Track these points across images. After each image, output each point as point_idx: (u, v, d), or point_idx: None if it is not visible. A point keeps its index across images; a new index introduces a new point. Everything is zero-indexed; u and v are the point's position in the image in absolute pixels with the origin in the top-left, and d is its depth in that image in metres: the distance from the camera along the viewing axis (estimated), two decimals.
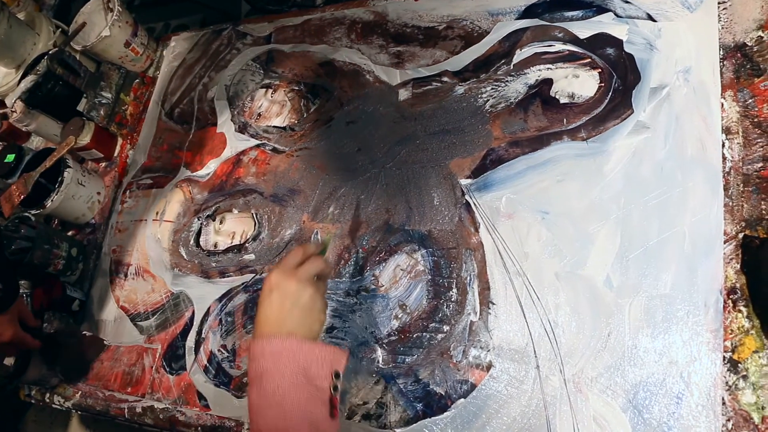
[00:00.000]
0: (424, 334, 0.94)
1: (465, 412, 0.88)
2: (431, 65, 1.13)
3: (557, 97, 1.00)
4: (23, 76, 1.39)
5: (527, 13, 1.09)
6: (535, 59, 1.04)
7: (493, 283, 0.93)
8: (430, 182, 1.03)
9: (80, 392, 1.20)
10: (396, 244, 1.01)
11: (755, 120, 0.87)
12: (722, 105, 0.89)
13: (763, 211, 0.82)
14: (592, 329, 0.85)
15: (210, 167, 1.28)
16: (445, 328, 0.93)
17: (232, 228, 1.19)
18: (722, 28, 0.93)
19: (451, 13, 1.16)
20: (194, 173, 1.29)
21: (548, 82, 1.02)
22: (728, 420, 0.75)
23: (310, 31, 1.31)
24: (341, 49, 1.25)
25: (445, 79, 1.11)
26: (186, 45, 1.49)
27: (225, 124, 1.31)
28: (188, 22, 1.71)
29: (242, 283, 1.12)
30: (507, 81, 1.05)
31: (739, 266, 0.81)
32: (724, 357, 0.78)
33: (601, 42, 1.01)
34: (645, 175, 0.90)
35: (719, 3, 0.94)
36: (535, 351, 0.87)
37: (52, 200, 1.27)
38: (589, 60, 1.00)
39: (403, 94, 1.13)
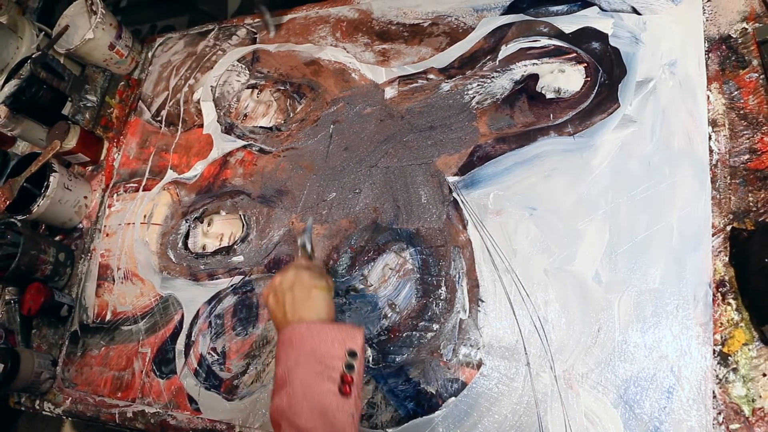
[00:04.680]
0: (414, 333, 0.94)
1: (456, 411, 0.87)
2: (417, 62, 1.13)
3: (543, 92, 1.00)
4: (6, 81, 1.38)
5: (512, 8, 1.09)
6: (521, 55, 1.04)
7: (482, 281, 0.93)
8: (417, 180, 1.03)
9: (70, 398, 1.19)
10: (384, 243, 1.01)
11: (741, 112, 0.86)
12: (708, 97, 0.89)
13: (751, 203, 0.82)
14: (581, 325, 0.85)
15: (197, 169, 1.27)
16: (435, 326, 0.93)
17: (220, 230, 1.18)
18: (707, 20, 0.93)
19: (436, 9, 1.16)
20: (181, 175, 1.28)
21: (534, 78, 1.01)
22: (719, 413, 0.75)
23: (295, 31, 1.31)
24: (326, 47, 1.24)
25: (431, 76, 1.10)
26: (171, 46, 1.48)
27: (211, 126, 1.30)
28: (174, 23, 1.71)
29: (231, 285, 1.12)
30: (493, 77, 1.05)
31: (727, 259, 0.81)
32: (714, 350, 0.78)
33: (586, 36, 1.00)
34: (632, 169, 0.90)
35: None
36: (525, 348, 0.87)
37: (38, 205, 1.26)
38: (575, 54, 1.00)
39: (389, 92, 1.12)
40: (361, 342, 0.75)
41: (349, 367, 0.72)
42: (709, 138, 0.87)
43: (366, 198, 1.06)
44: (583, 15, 1.02)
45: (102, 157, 1.43)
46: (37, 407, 1.23)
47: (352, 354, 0.73)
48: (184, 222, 1.23)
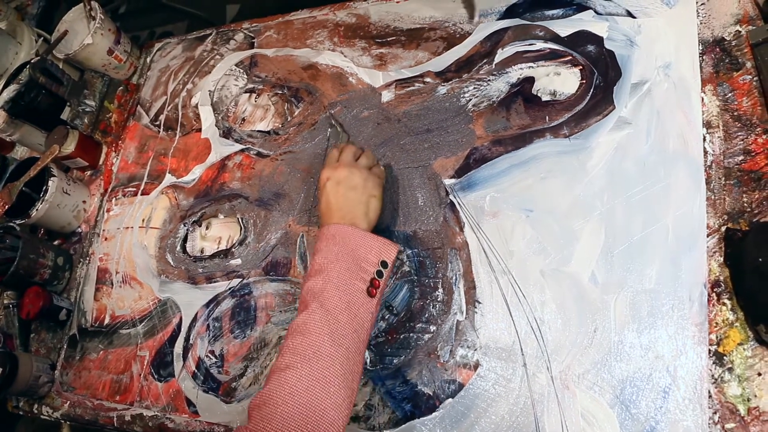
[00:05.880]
0: (411, 334, 0.94)
1: (453, 412, 0.88)
2: (414, 66, 1.13)
3: (539, 95, 1.00)
4: (5, 86, 1.38)
5: (508, 13, 1.09)
6: (517, 58, 1.05)
7: (478, 282, 0.93)
8: (414, 183, 1.03)
9: (69, 402, 1.19)
10: None
11: (735, 113, 0.87)
12: (702, 99, 0.89)
13: (745, 204, 0.82)
14: (578, 326, 0.85)
15: (195, 173, 1.27)
16: (432, 328, 0.93)
17: (218, 233, 1.19)
18: (701, 23, 0.94)
19: (433, 14, 1.16)
20: (180, 179, 1.29)
21: (530, 81, 1.02)
22: (715, 413, 0.75)
23: (292, 35, 1.31)
24: (324, 52, 1.25)
25: (428, 79, 1.11)
26: (169, 51, 1.49)
27: (209, 130, 1.30)
28: (173, 29, 1.71)
29: (229, 288, 1.12)
30: (489, 80, 1.05)
31: (722, 259, 0.81)
32: (709, 350, 0.78)
33: (581, 39, 1.01)
34: (628, 170, 0.90)
35: None
36: (521, 349, 0.87)
37: (37, 210, 1.27)
38: (570, 57, 1.00)
39: (387, 96, 1.13)
40: (394, 257, 0.86)
41: (379, 273, 0.83)
42: (704, 139, 0.87)
43: None
44: (579, 18, 1.03)
45: (101, 162, 1.43)
46: (36, 411, 1.23)
47: (384, 264, 0.84)
48: (182, 226, 1.23)
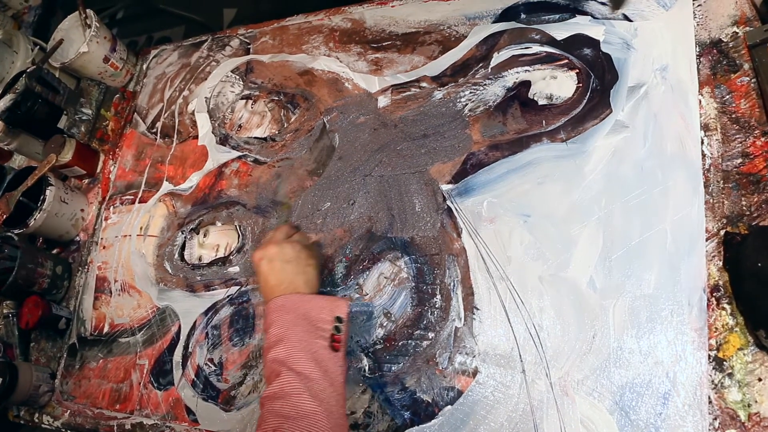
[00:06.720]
0: (410, 341, 0.94)
1: (452, 419, 0.87)
2: (409, 71, 1.13)
3: (536, 98, 1.00)
4: (2, 95, 1.38)
5: (504, 16, 1.09)
6: (513, 62, 1.04)
7: (476, 289, 0.93)
8: (411, 189, 1.03)
9: (69, 411, 1.19)
10: (379, 252, 1.01)
11: (733, 116, 0.86)
12: (700, 102, 0.89)
13: (744, 207, 0.82)
14: (576, 332, 0.85)
15: (192, 180, 1.27)
16: (430, 335, 0.93)
17: (216, 241, 1.18)
18: (698, 25, 0.93)
19: (428, 18, 1.16)
20: (177, 187, 1.28)
21: (526, 84, 1.01)
22: (715, 419, 0.75)
23: (288, 41, 1.31)
24: (320, 57, 1.24)
25: (424, 84, 1.10)
26: (165, 58, 1.49)
27: (206, 137, 1.30)
28: (171, 33, 1.71)
29: (227, 296, 1.12)
30: (485, 84, 1.05)
31: (721, 263, 0.81)
32: (709, 355, 0.78)
33: (578, 43, 1.01)
34: (625, 174, 0.90)
35: (694, 0, 0.94)
36: (520, 355, 0.87)
37: (34, 219, 1.26)
38: (567, 61, 1.00)
39: (383, 101, 1.13)
40: (346, 311, 0.86)
41: (337, 329, 0.84)
42: (702, 142, 0.87)
43: (360, 207, 1.06)
44: (575, 22, 1.02)
45: (98, 170, 1.43)
46: (36, 420, 1.23)
47: (339, 319, 0.85)
48: (180, 233, 1.23)
